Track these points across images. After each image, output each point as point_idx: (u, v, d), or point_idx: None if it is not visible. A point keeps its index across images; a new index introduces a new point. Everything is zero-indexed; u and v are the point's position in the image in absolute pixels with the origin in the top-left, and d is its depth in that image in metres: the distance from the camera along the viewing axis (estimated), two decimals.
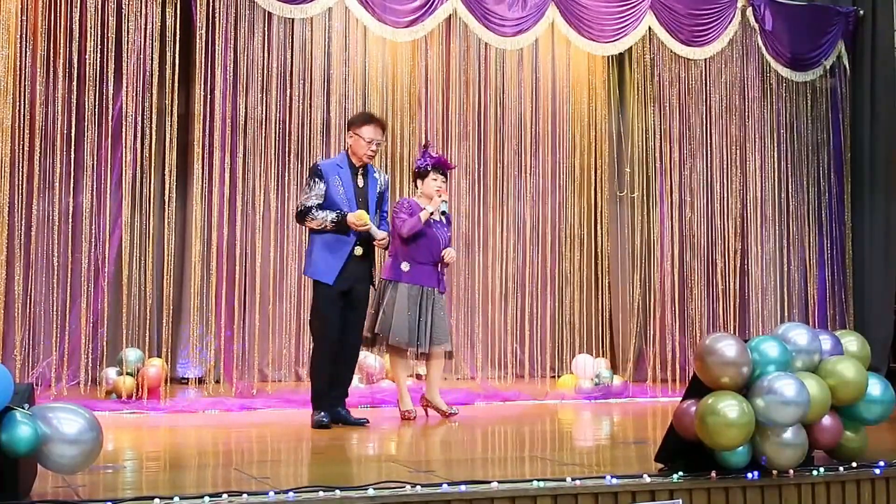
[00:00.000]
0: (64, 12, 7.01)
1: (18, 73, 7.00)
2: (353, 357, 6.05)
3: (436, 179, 6.24)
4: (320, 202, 5.82)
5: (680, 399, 4.27)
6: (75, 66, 7.05)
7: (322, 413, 5.81)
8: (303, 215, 5.88)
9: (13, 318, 7.04)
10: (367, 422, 5.90)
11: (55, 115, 7.09)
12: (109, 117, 7.15)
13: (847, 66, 8.97)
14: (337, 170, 5.90)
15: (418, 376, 7.84)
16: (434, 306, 6.15)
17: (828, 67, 8.91)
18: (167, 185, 7.35)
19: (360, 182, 5.92)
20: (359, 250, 5.84)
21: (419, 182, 6.31)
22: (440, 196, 6.22)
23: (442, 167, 6.29)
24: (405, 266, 6.14)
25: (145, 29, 7.10)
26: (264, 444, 5.46)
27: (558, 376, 8.41)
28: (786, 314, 8.76)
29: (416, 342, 6.07)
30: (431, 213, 6.13)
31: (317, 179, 5.85)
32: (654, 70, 8.55)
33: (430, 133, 8.22)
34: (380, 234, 5.85)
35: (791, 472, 4.06)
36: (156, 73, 7.15)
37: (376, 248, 6.01)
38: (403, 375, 6.35)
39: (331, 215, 5.79)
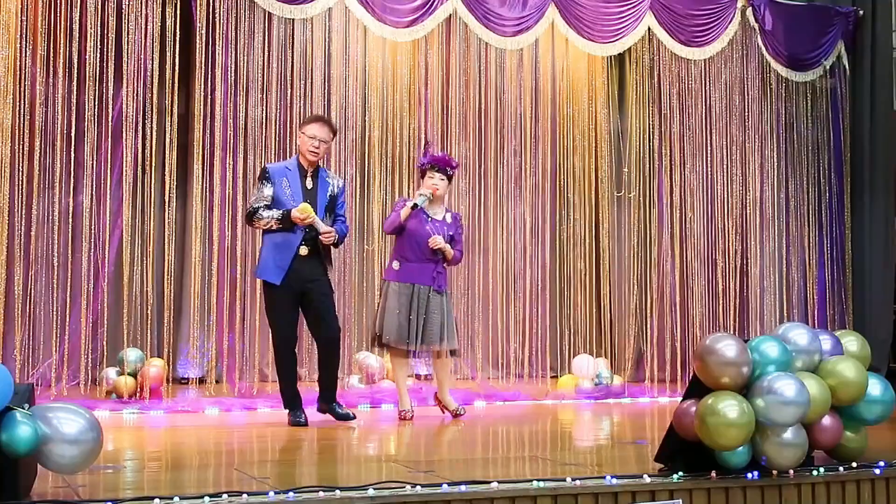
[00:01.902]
0: (64, 12, 7.02)
1: (18, 73, 7.00)
2: (330, 355, 5.98)
3: (431, 177, 6.23)
4: (267, 203, 5.84)
5: (680, 399, 4.27)
6: (75, 66, 7.05)
7: (297, 412, 5.88)
8: (250, 217, 5.93)
9: (13, 318, 7.03)
10: (354, 416, 5.94)
11: (55, 115, 7.09)
12: (109, 117, 7.15)
13: (847, 66, 8.97)
14: (285, 172, 5.92)
15: (416, 376, 7.85)
16: (429, 305, 6.10)
17: (828, 67, 8.91)
18: (167, 185, 7.35)
19: (309, 184, 5.92)
20: (303, 250, 5.81)
21: (421, 181, 6.34)
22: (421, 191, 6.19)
23: (438, 165, 6.27)
24: (395, 265, 6.17)
25: (145, 29, 7.10)
26: (264, 444, 5.46)
27: (558, 376, 8.41)
28: (786, 314, 8.75)
29: (407, 340, 6.05)
30: (413, 207, 6.09)
31: (265, 181, 5.89)
32: (653, 70, 8.55)
33: (430, 133, 8.21)
34: (324, 228, 5.82)
35: (791, 472, 4.07)
36: (156, 73, 7.15)
37: (330, 249, 5.98)
38: (403, 375, 6.33)
39: (276, 214, 5.80)
